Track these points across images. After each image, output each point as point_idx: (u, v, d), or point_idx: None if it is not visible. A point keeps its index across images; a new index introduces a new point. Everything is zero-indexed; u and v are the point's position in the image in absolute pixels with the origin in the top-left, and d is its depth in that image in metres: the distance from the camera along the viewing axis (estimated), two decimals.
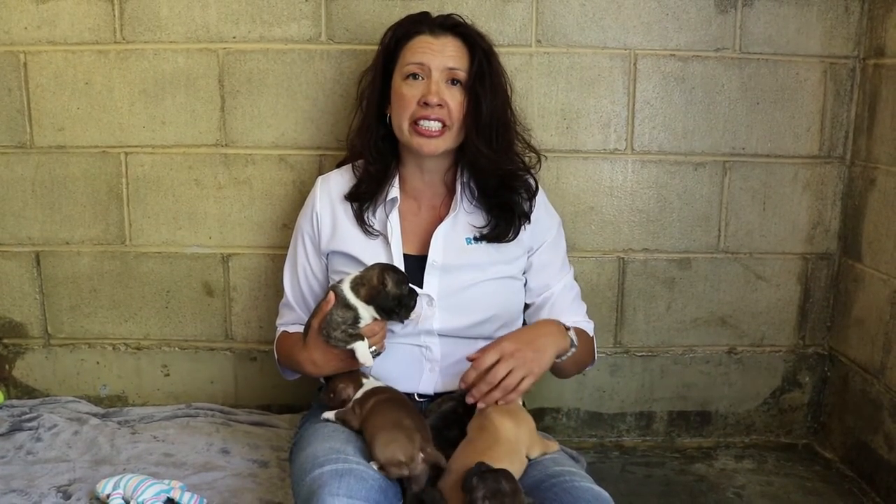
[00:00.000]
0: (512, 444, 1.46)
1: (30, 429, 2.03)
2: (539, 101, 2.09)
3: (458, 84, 1.65)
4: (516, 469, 1.44)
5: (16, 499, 1.70)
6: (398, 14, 1.79)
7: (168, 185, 2.13)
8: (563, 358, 1.62)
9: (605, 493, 1.41)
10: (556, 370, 1.68)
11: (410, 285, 1.58)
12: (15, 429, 2.03)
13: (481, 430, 1.48)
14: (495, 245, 1.70)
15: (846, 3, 2.09)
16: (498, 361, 1.51)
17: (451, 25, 1.68)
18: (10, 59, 2.07)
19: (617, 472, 2.11)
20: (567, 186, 2.13)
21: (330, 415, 1.60)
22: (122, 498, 1.64)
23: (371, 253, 1.69)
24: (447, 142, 1.66)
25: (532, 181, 1.76)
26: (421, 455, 1.42)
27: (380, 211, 1.72)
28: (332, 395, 1.60)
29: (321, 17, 2.06)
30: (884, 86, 2.02)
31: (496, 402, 1.51)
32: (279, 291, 1.87)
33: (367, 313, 1.54)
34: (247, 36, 2.06)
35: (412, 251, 1.70)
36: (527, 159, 1.80)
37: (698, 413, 2.28)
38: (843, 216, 2.20)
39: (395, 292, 1.54)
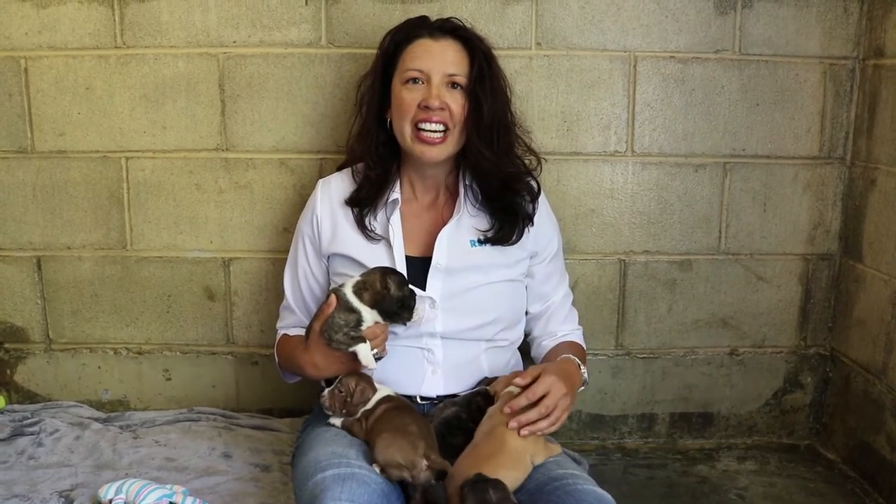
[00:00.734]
0: (517, 452, 1.46)
1: (31, 434, 2.03)
2: (539, 103, 2.09)
3: (459, 87, 1.65)
4: (520, 476, 1.44)
5: None
6: (398, 18, 1.79)
7: (169, 189, 2.14)
8: (585, 383, 1.69)
9: (608, 496, 1.41)
10: None
11: (410, 286, 1.58)
12: (16, 434, 2.03)
13: (488, 436, 1.48)
14: (498, 248, 1.71)
15: (845, 3, 2.09)
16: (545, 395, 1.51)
17: (450, 29, 1.68)
18: (11, 64, 2.07)
19: (619, 474, 2.11)
20: (568, 189, 2.14)
21: (336, 421, 1.59)
22: (125, 502, 1.63)
23: (372, 254, 1.69)
24: (449, 147, 1.66)
25: (534, 183, 1.77)
26: (424, 462, 1.42)
27: (381, 213, 1.72)
28: (347, 397, 1.55)
29: (321, 21, 2.06)
30: (883, 86, 2.02)
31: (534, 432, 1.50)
32: (280, 295, 1.87)
33: (370, 316, 1.55)
34: (247, 40, 2.07)
35: (414, 253, 1.70)
36: (527, 161, 1.81)
37: (700, 414, 2.28)
38: (843, 217, 2.20)
39: (397, 295, 1.54)
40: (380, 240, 1.70)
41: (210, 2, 2.04)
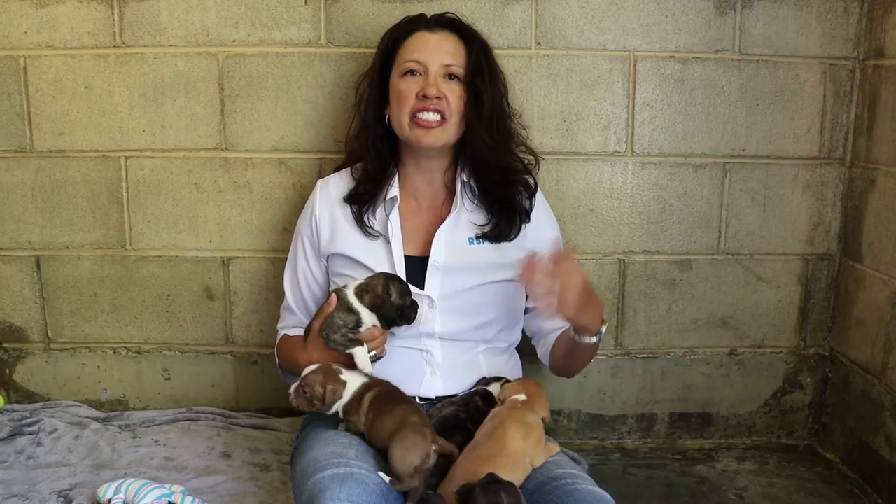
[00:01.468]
0: (517, 455, 1.46)
1: (30, 433, 2.03)
2: (539, 103, 2.09)
3: (456, 79, 1.66)
4: (518, 478, 1.44)
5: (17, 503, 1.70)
6: (398, 17, 1.79)
7: (168, 189, 2.13)
8: (599, 337, 1.60)
9: (607, 496, 1.41)
10: (574, 358, 1.70)
11: (413, 297, 1.58)
12: (15, 433, 2.03)
13: (489, 437, 1.48)
14: (496, 247, 1.71)
15: (845, 4, 2.09)
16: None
17: (446, 22, 1.71)
18: (10, 63, 2.07)
19: (618, 473, 2.11)
20: (567, 188, 2.13)
21: (341, 427, 1.57)
22: (124, 502, 1.63)
23: (371, 254, 1.69)
24: (446, 134, 1.66)
25: (531, 180, 1.78)
26: (434, 447, 1.43)
27: (380, 211, 1.73)
28: (314, 399, 1.50)
29: (321, 21, 2.06)
30: (883, 87, 2.02)
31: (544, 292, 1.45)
32: (280, 295, 1.87)
33: (369, 319, 1.55)
34: (246, 39, 2.06)
35: (413, 252, 1.70)
36: (525, 160, 1.81)
37: (699, 415, 2.28)
38: (843, 217, 2.20)
39: (398, 303, 1.55)
40: (378, 236, 1.70)
41: (209, 1, 2.04)
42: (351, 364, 1.57)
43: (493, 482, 1.33)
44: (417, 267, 1.68)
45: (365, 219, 1.71)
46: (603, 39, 2.08)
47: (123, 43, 2.07)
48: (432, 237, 1.69)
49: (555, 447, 1.57)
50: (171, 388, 2.24)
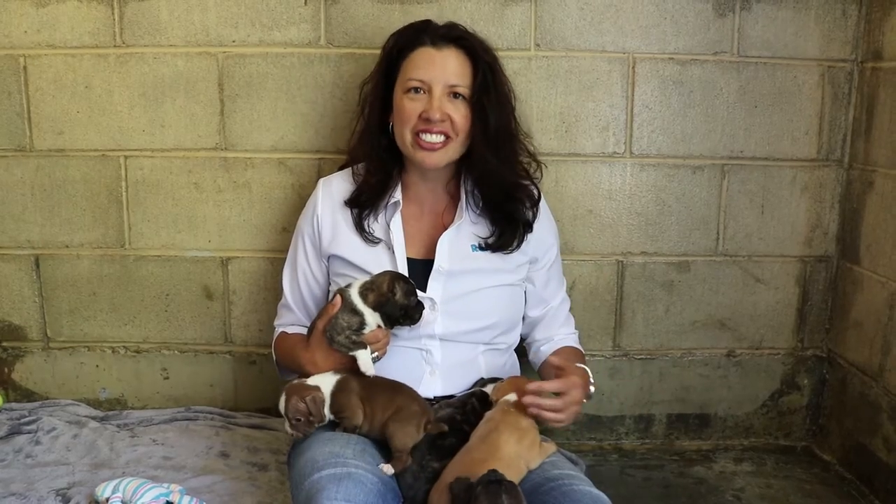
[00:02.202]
0: (511, 459, 1.45)
1: (29, 432, 2.03)
2: (538, 104, 2.09)
3: (461, 98, 1.63)
4: (513, 481, 1.44)
5: (15, 502, 1.70)
6: (397, 18, 1.79)
7: (167, 188, 2.14)
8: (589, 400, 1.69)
9: (604, 497, 1.41)
10: None
11: (419, 299, 1.58)
12: (14, 432, 2.03)
13: (483, 440, 1.48)
14: (499, 253, 1.71)
15: (844, 6, 2.09)
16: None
17: (454, 38, 1.66)
18: (10, 62, 2.07)
19: (616, 474, 2.11)
20: (566, 190, 2.14)
21: (340, 428, 1.58)
22: (122, 501, 1.64)
23: (372, 257, 1.69)
24: (449, 154, 1.66)
25: (535, 190, 1.77)
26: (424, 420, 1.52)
27: (381, 216, 1.72)
28: (310, 416, 1.51)
29: (320, 21, 2.06)
30: (881, 89, 2.03)
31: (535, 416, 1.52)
32: (278, 295, 1.87)
33: (372, 320, 1.55)
34: (246, 40, 2.07)
35: (415, 255, 1.71)
36: (528, 166, 1.81)
37: (697, 416, 2.28)
38: (841, 219, 2.20)
39: (402, 302, 1.55)
40: (378, 242, 1.70)
41: (209, 1, 2.04)
42: (353, 365, 1.57)
43: (493, 481, 1.32)
44: (419, 269, 1.68)
45: (365, 224, 1.70)
46: (602, 41, 2.08)
47: (123, 42, 2.07)
48: (434, 240, 1.69)
49: (551, 447, 1.57)
50: (169, 388, 2.24)
